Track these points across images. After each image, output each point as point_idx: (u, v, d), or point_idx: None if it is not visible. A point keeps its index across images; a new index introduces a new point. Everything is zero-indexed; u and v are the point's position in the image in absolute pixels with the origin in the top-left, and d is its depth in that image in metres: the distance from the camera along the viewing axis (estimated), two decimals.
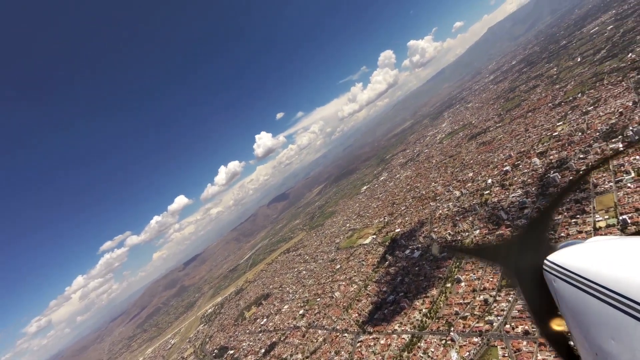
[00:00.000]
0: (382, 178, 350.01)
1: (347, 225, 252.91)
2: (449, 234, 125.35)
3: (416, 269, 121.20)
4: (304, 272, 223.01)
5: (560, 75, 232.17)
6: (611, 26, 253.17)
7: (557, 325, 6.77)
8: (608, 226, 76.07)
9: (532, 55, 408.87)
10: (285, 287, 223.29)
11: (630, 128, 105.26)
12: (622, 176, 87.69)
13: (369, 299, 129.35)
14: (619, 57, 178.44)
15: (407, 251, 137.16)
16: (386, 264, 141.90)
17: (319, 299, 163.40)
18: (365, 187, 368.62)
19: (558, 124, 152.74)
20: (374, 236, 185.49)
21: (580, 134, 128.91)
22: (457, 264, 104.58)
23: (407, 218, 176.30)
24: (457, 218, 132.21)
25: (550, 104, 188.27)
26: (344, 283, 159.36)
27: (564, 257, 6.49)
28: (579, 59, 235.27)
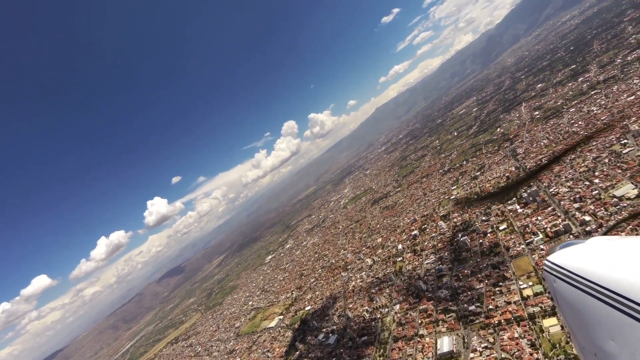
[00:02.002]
0: (288, 246, 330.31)
1: (250, 303, 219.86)
2: (367, 311, 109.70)
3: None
4: None
5: (443, 146, 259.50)
6: (476, 108, 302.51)
7: None
8: (536, 294, 69.80)
9: (415, 131, 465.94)
10: None
11: (522, 190, 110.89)
12: (531, 237, 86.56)
13: None
14: (490, 131, 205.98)
15: (321, 336, 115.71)
16: (296, 355, 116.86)
17: None
18: (270, 257, 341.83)
19: (453, 188, 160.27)
20: (281, 317, 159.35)
21: (476, 197, 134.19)
22: (382, 351, 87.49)
23: (317, 292, 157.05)
24: (373, 290, 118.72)
25: (441, 170, 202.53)
26: None
27: (564, 257, 6.36)
28: (455, 133, 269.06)
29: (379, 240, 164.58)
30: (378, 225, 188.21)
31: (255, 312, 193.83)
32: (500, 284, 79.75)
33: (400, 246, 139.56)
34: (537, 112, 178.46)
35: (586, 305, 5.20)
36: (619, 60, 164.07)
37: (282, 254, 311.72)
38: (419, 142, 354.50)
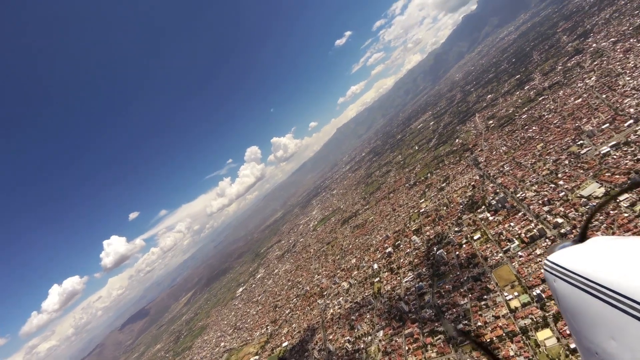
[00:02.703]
0: (259, 275, 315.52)
1: (222, 344, 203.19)
2: (349, 341, 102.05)
3: None
4: None
5: (406, 160, 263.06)
6: (432, 122, 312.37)
7: None
8: (524, 305, 66.56)
9: (377, 148, 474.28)
10: None
11: (490, 198, 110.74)
12: (507, 245, 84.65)
13: None
14: (449, 142, 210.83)
15: None
16: None
17: None
18: (241, 289, 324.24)
19: (421, 201, 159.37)
20: (257, 357, 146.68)
21: (445, 208, 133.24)
22: None
23: (294, 325, 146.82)
24: (353, 317, 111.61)
25: (407, 185, 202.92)
26: None
27: (564, 257, 6.25)
28: (416, 147, 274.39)
29: (353, 261, 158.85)
30: (350, 246, 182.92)
31: (229, 355, 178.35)
32: (485, 297, 76.20)
33: (375, 266, 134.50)
34: (491, 121, 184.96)
35: (587, 305, 5.08)
36: (559, 67, 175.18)
37: (253, 285, 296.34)
38: (382, 158, 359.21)
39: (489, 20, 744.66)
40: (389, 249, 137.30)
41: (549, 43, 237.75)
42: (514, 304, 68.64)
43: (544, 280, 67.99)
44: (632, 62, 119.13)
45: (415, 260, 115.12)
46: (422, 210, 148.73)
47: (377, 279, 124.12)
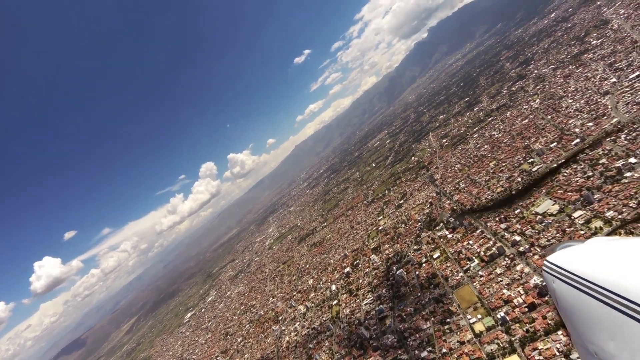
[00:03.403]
0: (210, 299, 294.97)
1: None
2: None
3: None
4: None
5: (364, 177, 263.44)
6: (389, 140, 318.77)
7: None
8: (489, 329, 63.42)
9: (335, 165, 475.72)
10: None
11: (448, 215, 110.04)
12: (467, 264, 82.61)
13: None
14: (405, 160, 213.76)
15: None
16: None
17: None
18: (189, 314, 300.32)
19: (379, 219, 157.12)
20: None
21: (403, 225, 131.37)
22: None
23: (246, 355, 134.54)
24: (311, 345, 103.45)
25: (365, 202, 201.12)
26: None
27: (564, 257, 6.36)
28: (374, 164, 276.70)
29: (310, 282, 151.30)
30: (308, 265, 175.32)
31: None
32: (448, 320, 72.52)
33: (334, 287, 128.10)
34: (445, 140, 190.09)
35: (586, 306, 5.17)
36: (505, 91, 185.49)
37: (203, 310, 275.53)
38: (340, 175, 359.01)
39: (438, 48, 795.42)
40: (348, 269, 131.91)
41: (494, 69, 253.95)
42: (478, 327, 65.39)
43: (506, 301, 65.79)
44: (573, 86, 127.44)
45: (375, 281, 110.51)
46: (381, 227, 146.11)
47: (335, 302, 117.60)
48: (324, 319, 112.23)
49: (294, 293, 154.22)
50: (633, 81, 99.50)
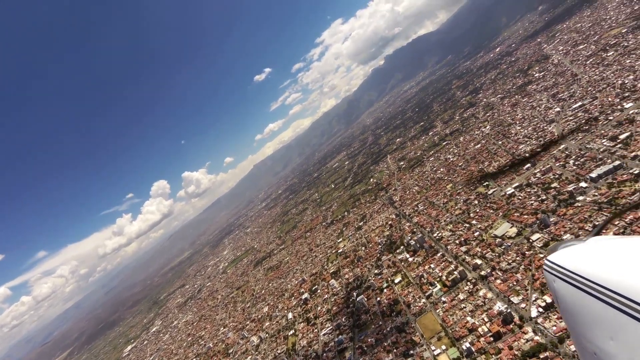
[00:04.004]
0: (154, 329, 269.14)
1: None
2: None
3: None
4: None
5: (323, 198, 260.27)
6: (347, 161, 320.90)
7: None
8: None
9: (293, 185, 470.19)
10: None
11: (408, 238, 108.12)
12: (430, 289, 79.70)
13: None
14: (364, 181, 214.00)
15: None
16: None
17: None
18: (130, 347, 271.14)
19: (339, 241, 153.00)
20: None
21: (363, 248, 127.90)
22: None
23: None
24: None
25: (324, 223, 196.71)
26: None
27: (564, 257, 6.33)
28: (333, 186, 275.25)
29: (265, 309, 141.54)
30: (263, 291, 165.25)
31: None
32: (412, 352, 68.01)
33: (290, 315, 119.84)
34: (402, 162, 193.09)
35: (586, 305, 5.15)
36: (457, 117, 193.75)
37: (146, 342, 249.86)
38: (299, 196, 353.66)
39: (394, 75, 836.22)
40: (305, 295, 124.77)
41: (446, 96, 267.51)
42: (443, 359, 61.49)
43: (471, 330, 62.88)
44: (520, 114, 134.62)
45: (334, 308, 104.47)
46: (340, 250, 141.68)
47: (291, 332, 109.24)
48: (279, 351, 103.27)
49: (247, 322, 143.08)
50: (576, 110, 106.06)
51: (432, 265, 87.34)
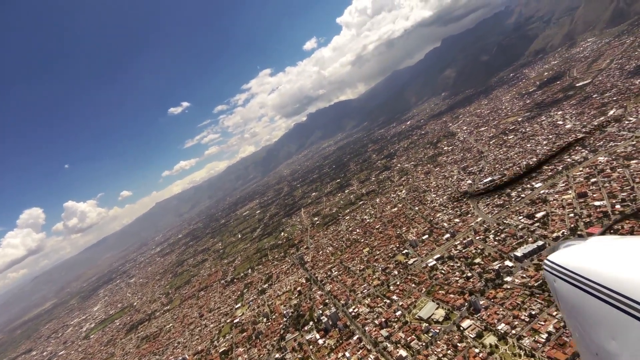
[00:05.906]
0: None
1: None
2: None
3: None
4: None
5: (226, 249, 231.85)
6: (259, 210, 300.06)
7: None
8: None
9: (197, 230, 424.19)
10: None
11: (319, 312, 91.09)
12: None
13: None
14: (274, 235, 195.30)
15: None
16: None
17: None
18: None
19: (237, 307, 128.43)
20: None
21: (265, 320, 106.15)
22: None
23: None
24: None
25: (222, 281, 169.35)
26: None
27: (565, 256, 6.26)
28: (239, 236, 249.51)
29: None
30: None
31: None
32: None
33: None
34: (316, 218, 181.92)
35: (587, 305, 5.11)
36: (373, 178, 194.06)
37: None
38: (200, 243, 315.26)
39: (314, 132, 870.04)
40: None
41: (363, 158, 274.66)
42: None
43: None
44: (434, 182, 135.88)
45: None
46: (237, 320, 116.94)
47: None
48: None
49: None
50: (487, 185, 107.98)
51: (346, 353, 70.65)
